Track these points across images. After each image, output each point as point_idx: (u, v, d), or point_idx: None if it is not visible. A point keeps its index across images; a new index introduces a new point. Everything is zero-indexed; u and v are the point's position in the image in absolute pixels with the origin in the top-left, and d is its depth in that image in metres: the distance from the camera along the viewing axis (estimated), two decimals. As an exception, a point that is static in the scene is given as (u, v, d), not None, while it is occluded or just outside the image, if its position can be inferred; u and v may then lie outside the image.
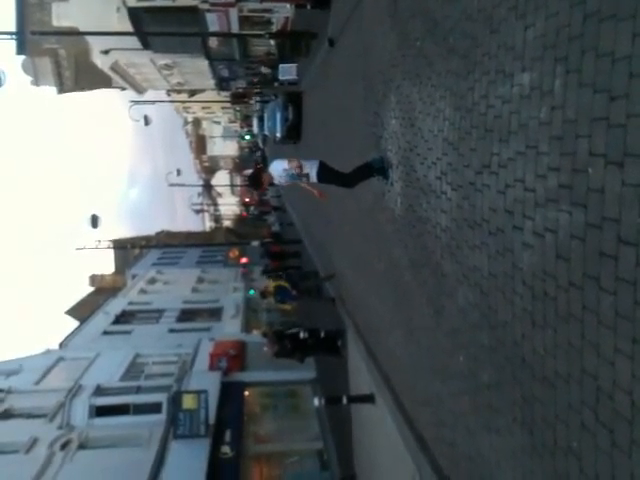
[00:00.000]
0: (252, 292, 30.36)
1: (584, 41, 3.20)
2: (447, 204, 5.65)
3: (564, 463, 3.49)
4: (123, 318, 29.85)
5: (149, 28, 26.20)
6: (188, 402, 15.09)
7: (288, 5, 22.19)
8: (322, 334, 13.03)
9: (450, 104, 5.49)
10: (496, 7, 4.34)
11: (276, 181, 8.13)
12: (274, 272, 23.32)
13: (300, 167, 7.78)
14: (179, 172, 56.61)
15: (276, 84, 26.48)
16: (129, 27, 26.08)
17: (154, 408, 16.98)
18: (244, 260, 37.51)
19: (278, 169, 7.88)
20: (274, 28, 25.04)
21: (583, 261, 3.23)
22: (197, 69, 39.86)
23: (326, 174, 8.00)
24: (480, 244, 4.78)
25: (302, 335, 12.78)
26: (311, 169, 7.87)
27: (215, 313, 30.09)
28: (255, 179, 8.49)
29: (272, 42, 25.88)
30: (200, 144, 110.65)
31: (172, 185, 52.61)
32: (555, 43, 3.50)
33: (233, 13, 26.59)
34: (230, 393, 17.08)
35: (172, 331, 27.19)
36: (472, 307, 5.00)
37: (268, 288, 16.52)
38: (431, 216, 6.20)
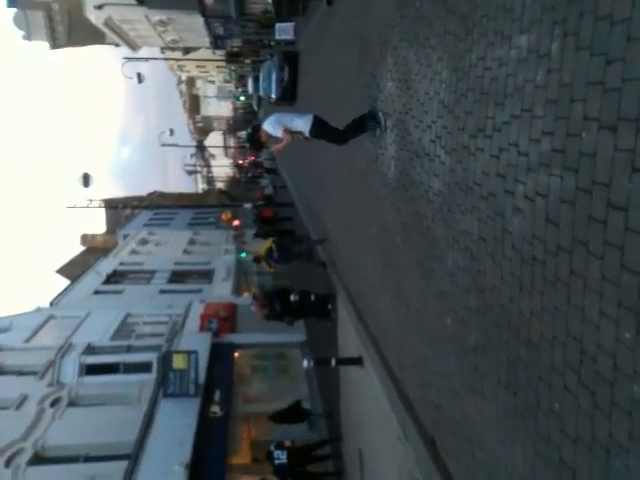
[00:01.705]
0: (243, 254, 30.34)
1: (583, 3, 3.16)
2: (440, 168, 5.63)
3: (546, 424, 3.56)
4: (114, 278, 29.82)
5: (144, -18, 25.63)
6: (178, 362, 15.23)
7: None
8: (312, 297, 13.09)
9: (447, 66, 5.43)
10: (496, -33, 4.26)
11: (273, 134, 7.94)
12: (266, 236, 23.28)
13: (288, 132, 7.71)
14: (172, 132, 55.94)
15: (271, 42, 26.04)
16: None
17: (144, 367, 17.15)
18: (236, 223, 37.41)
19: (273, 123, 7.76)
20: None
21: (572, 226, 3.24)
22: (192, 26, 39.10)
23: (320, 129, 7.89)
24: (471, 208, 4.78)
25: (292, 298, 12.83)
26: (305, 125, 7.76)
27: (206, 275, 30.11)
28: (255, 139, 8.32)
29: (269, 0, 25.33)
30: (194, 104, 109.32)
31: (165, 145, 52.11)
32: (554, 5, 3.45)
33: (230, -31, 26.04)
34: (220, 354, 17.25)
35: (163, 292, 27.24)
36: (461, 271, 5.03)
37: (260, 252, 16.52)
38: (424, 180, 6.18)
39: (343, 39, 11.67)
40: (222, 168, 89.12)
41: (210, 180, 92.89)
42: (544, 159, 3.54)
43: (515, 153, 3.95)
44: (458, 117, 5.12)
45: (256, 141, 8.22)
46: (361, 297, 9.99)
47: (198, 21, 35.96)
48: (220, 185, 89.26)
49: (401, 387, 7.33)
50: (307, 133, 7.81)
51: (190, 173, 72.87)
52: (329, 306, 12.80)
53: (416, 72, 6.48)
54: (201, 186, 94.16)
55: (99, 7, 24.23)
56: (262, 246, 17.11)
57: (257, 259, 16.93)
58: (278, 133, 7.75)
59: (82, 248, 55.91)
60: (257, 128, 8.25)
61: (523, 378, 3.87)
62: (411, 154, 6.70)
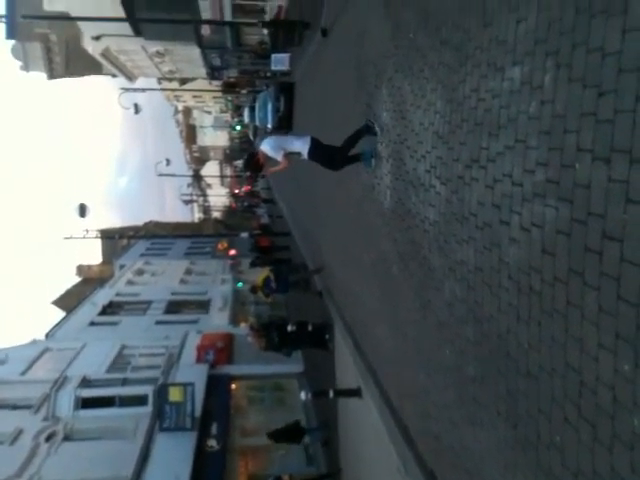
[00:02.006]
0: (240, 284, 30.29)
1: (575, 36, 3.20)
2: (436, 198, 5.64)
3: (547, 457, 3.51)
4: (110, 309, 29.66)
5: (141, 14, 25.95)
6: (174, 395, 15.07)
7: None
8: (310, 327, 13.03)
9: (441, 97, 5.48)
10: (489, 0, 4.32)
11: (269, 154, 7.96)
12: (262, 265, 23.25)
13: (287, 156, 7.80)
14: (168, 162, 56.16)
15: (267, 73, 26.32)
16: (121, 13, 25.85)
17: (140, 400, 16.94)
18: (233, 252, 37.39)
19: (271, 145, 7.82)
20: (267, 17, 24.90)
21: (568, 256, 3.24)
22: (189, 57, 39.58)
23: (318, 149, 7.95)
24: (468, 238, 4.78)
25: (290, 328, 12.77)
26: (303, 146, 7.83)
27: (203, 305, 29.99)
28: (253, 162, 8.32)
29: (265, 31, 25.69)
30: (190, 134, 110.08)
31: (161, 175, 52.27)
32: (546, 37, 3.49)
33: (226, 1, 26.42)
34: (217, 386, 17.08)
35: (159, 323, 27.06)
36: (458, 301, 5.00)
37: (257, 282, 16.49)
38: (420, 210, 6.20)
39: (338, 70, 11.79)
40: (218, 197, 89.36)
41: (206, 209, 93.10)
42: (538, 190, 3.55)
43: (509, 184, 3.96)
44: (452, 148, 5.15)
45: (254, 164, 8.23)
46: (358, 327, 9.93)
47: (195, 52, 36.41)
48: (216, 214, 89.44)
49: (400, 418, 7.25)
50: (305, 154, 7.86)
51: (187, 203, 72.93)
52: (326, 336, 12.73)
53: (411, 102, 6.54)
54: (197, 215, 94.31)
55: (96, 38, 24.49)
56: (259, 276, 17.08)
57: (253, 289, 16.89)
58: (277, 156, 7.80)
59: (78, 279, 55.69)
60: (254, 154, 8.28)
61: (523, 409, 3.82)
62: (406, 184, 6.72)
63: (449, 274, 5.24)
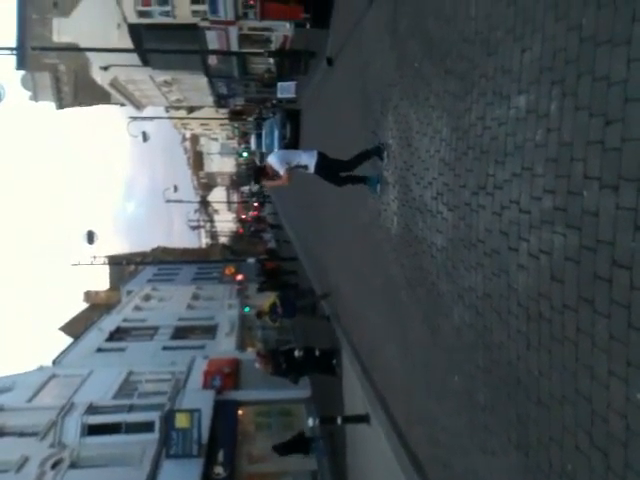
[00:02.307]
0: (247, 309, 30.21)
1: (580, 65, 3.24)
2: (443, 224, 5.67)
3: (559, 486, 3.47)
4: (117, 335, 29.60)
5: (149, 45, 26.33)
6: (181, 421, 14.95)
7: (287, 24, 22.38)
8: (317, 353, 12.96)
9: (447, 125, 5.53)
10: (493, 30, 4.39)
11: (275, 167, 8.03)
12: (270, 289, 23.24)
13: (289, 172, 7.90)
14: (176, 188, 56.61)
15: (274, 101, 26.62)
16: (129, 44, 26.24)
17: (147, 427, 16.80)
18: (240, 277, 37.38)
19: (279, 158, 7.93)
20: (273, 46, 25.29)
21: (577, 283, 3.24)
22: (196, 86, 40.06)
23: (325, 163, 8.03)
24: (476, 265, 4.79)
25: (297, 354, 12.71)
26: (309, 159, 7.95)
27: (210, 330, 29.89)
28: (260, 172, 8.47)
29: (271, 60, 26.08)
30: (198, 160, 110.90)
31: (169, 201, 52.62)
32: (552, 66, 3.54)
33: (233, 31, 26.80)
34: (224, 412, 16.93)
35: (166, 349, 26.97)
36: (467, 327, 4.99)
37: (263, 308, 16.46)
38: (427, 236, 6.22)
39: (344, 97, 11.93)
40: (225, 223, 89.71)
41: (214, 235, 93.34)
42: (546, 217, 3.57)
43: (517, 210, 3.98)
44: (459, 175, 5.19)
45: (263, 175, 8.32)
46: (366, 352, 9.88)
47: (202, 81, 36.85)
48: (223, 240, 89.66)
49: (409, 445, 7.17)
50: (312, 168, 7.95)
51: (194, 228, 73.29)
52: (334, 361, 12.66)
53: (416, 130, 6.61)
54: (205, 241, 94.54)
55: (105, 68, 24.83)
56: (265, 301, 17.05)
57: (259, 314, 16.85)
58: (281, 170, 7.87)
59: (86, 305, 55.72)
60: (263, 167, 8.41)
61: (534, 437, 3.79)
62: (413, 210, 6.76)
63: (458, 300, 5.24)
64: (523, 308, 3.93)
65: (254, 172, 9.14)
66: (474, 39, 4.78)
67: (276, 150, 8.34)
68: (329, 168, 8.17)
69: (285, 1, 14.75)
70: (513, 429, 4.10)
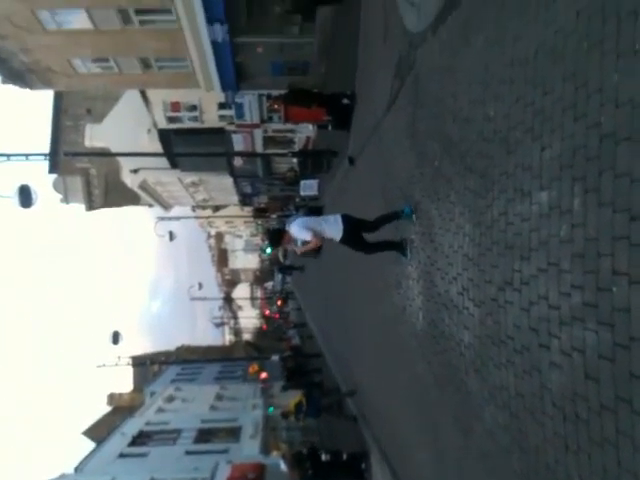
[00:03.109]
0: (271, 409, 29.57)
1: (601, 162, 3.25)
2: (470, 320, 5.57)
3: None
4: (140, 439, 29.01)
5: (178, 149, 27.47)
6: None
7: (310, 126, 23.26)
8: (344, 456, 12.50)
9: (469, 220, 5.56)
10: (512, 129, 4.49)
11: (298, 242, 7.82)
12: (295, 388, 22.79)
13: (315, 239, 7.44)
14: (201, 286, 57.18)
15: (297, 199, 27.23)
16: (159, 147, 27.38)
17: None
18: (264, 375, 36.78)
19: (299, 232, 7.50)
20: (296, 147, 26.19)
21: (613, 382, 3.11)
22: (222, 186, 41.30)
23: (350, 227, 7.53)
24: (506, 362, 4.65)
25: (324, 457, 12.27)
26: (335, 226, 7.46)
27: (233, 432, 29.18)
28: (278, 236, 8.17)
29: (294, 160, 26.94)
30: (222, 257, 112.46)
31: (194, 299, 52.98)
32: (572, 163, 3.57)
33: (258, 133, 27.93)
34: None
35: (189, 453, 26.28)
36: (501, 429, 4.78)
37: (289, 407, 16.15)
38: (454, 332, 6.10)
39: (366, 194, 12.15)
40: (249, 319, 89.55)
41: (237, 331, 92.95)
42: (576, 313, 3.49)
43: (546, 306, 3.90)
44: (484, 270, 5.15)
45: (279, 239, 8.05)
46: (396, 456, 9.48)
47: (227, 181, 38.04)
48: (247, 336, 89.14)
49: None
50: (338, 235, 7.49)
51: (218, 326, 73.24)
52: (362, 466, 12.16)
53: (439, 226, 6.65)
54: (228, 337, 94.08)
55: (135, 171, 25.85)
56: (291, 400, 16.74)
57: (285, 415, 16.51)
58: (307, 236, 7.45)
59: (109, 408, 54.93)
60: (282, 230, 8.09)
61: None
62: (439, 305, 6.67)
63: (489, 400, 5.05)
64: (558, 408, 3.76)
65: (272, 235, 8.67)
66: (493, 138, 4.89)
67: (298, 218, 8.07)
68: (355, 233, 7.67)
69: (308, 105, 15.36)
70: (556, 542, 3.82)
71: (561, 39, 3.76)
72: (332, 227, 7.49)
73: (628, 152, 3.01)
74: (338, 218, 7.53)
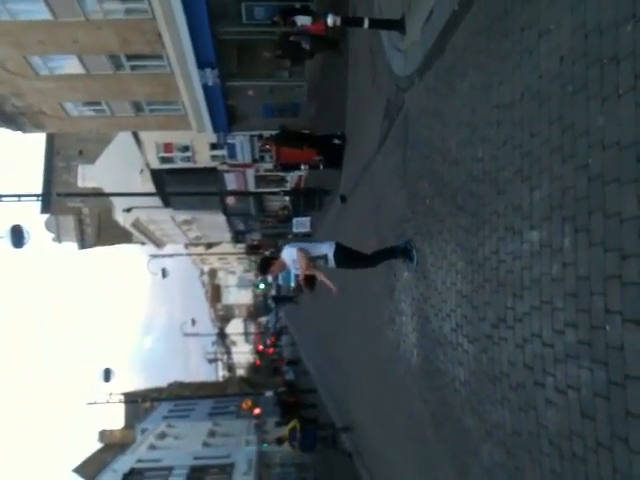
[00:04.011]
0: (265, 445, 29.24)
1: (590, 202, 3.31)
2: (464, 356, 5.59)
3: None
4: (131, 477, 28.47)
5: (170, 188, 27.58)
6: None
7: (302, 166, 23.51)
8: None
9: (461, 258, 5.62)
10: (501, 170, 4.58)
11: (292, 269, 7.52)
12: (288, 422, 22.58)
13: (307, 265, 7.15)
14: (194, 322, 56.81)
15: (290, 236, 27.29)
16: (151, 187, 27.48)
17: None
18: (257, 411, 36.34)
19: (291, 254, 7.25)
20: (288, 186, 26.41)
21: (610, 421, 3.13)
22: (215, 224, 41.37)
23: (344, 252, 7.42)
24: (502, 399, 4.66)
25: (319, 495, 12.09)
26: (328, 249, 7.27)
27: (226, 469, 28.69)
28: (266, 263, 7.85)
29: (287, 198, 27.11)
30: (215, 293, 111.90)
31: (187, 335, 52.50)
32: (562, 204, 3.63)
33: (250, 173, 28.15)
34: None
35: (181, 492, 25.78)
36: (498, 467, 4.76)
37: (284, 433, 16.20)
38: (449, 368, 6.11)
39: (359, 232, 12.22)
40: (243, 354, 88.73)
41: (231, 367, 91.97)
42: (570, 351, 3.52)
43: (540, 344, 3.94)
44: (477, 307, 5.19)
45: (267, 266, 7.73)
46: (393, 494, 9.37)
47: (220, 219, 38.11)
48: (241, 372, 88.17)
49: None
50: (331, 256, 7.25)
51: (211, 361, 72.47)
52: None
53: (431, 263, 6.71)
54: (222, 373, 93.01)
55: (127, 210, 25.86)
56: (285, 429, 16.80)
57: (280, 440, 16.53)
58: (297, 256, 7.17)
59: (100, 445, 53.84)
60: (271, 258, 7.95)
61: None
62: (433, 342, 6.69)
63: (486, 437, 5.04)
64: (555, 446, 3.76)
65: (261, 262, 8.39)
66: (483, 178, 4.98)
67: (292, 243, 7.85)
68: (348, 256, 7.49)
69: (299, 146, 15.59)
70: None
71: (546, 83, 3.88)
72: (326, 246, 7.38)
73: (617, 193, 3.07)
74: (333, 244, 7.40)
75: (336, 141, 14.91)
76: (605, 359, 3.15)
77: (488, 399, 4.97)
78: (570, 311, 3.53)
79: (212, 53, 18.38)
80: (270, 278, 30.83)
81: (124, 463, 30.41)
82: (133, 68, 18.97)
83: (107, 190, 26.52)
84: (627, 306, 2.97)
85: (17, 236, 16.89)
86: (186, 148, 28.27)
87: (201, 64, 18.48)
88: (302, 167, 19.29)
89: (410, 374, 7.82)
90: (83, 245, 41.10)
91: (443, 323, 6.30)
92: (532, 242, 4.05)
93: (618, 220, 3.05)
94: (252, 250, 48.93)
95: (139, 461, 31.26)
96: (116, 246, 46.14)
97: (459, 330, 5.75)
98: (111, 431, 57.06)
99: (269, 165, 26.69)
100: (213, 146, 27.58)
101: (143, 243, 43.72)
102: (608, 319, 3.13)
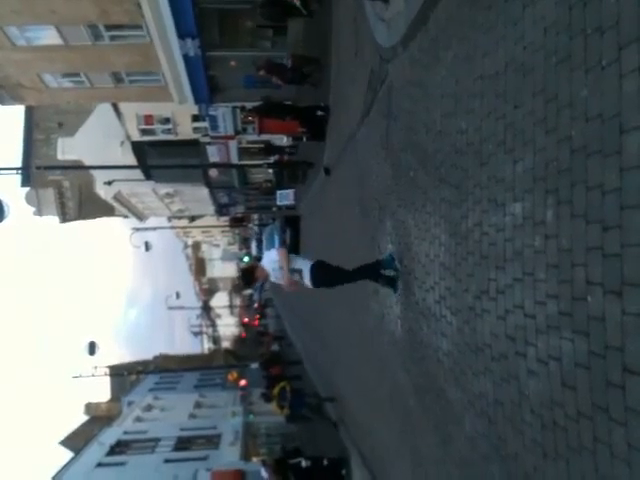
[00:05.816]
0: (251, 416, 29.53)
1: (573, 174, 3.31)
2: (448, 328, 5.63)
3: None
4: (118, 448, 28.72)
5: (152, 161, 27.27)
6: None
7: (285, 137, 23.30)
8: (325, 462, 12.50)
9: (445, 231, 5.63)
10: (484, 142, 4.56)
11: (272, 277, 7.49)
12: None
13: (287, 261, 7.12)
14: (178, 295, 56.86)
15: (274, 208, 27.24)
16: (132, 160, 27.16)
17: None
18: (243, 382, 36.64)
19: (270, 260, 7.30)
20: (272, 158, 26.24)
21: (590, 390, 3.17)
22: (198, 197, 41.09)
23: (322, 269, 7.28)
24: (484, 370, 4.71)
25: (304, 464, 12.26)
26: (304, 266, 7.18)
27: (213, 440, 29.01)
28: (248, 274, 7.98)
29: (270, 170, 26.93)
30: (200, 266, 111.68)
31: (171, 308, 52.57)
32: (544, 176, 3.63)
33: (233, 145, 27.87)
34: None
35: (168, 461, 26.06)
36: (480, 436, 4.84)
37: (273, 392, 16.35)
38: (432, 340, 6.16)
39: (342, 204, 12.22)
40: (228, 327, 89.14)
41: (216, 339, 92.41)
42: (552, 322, 3.55)
43: (522, 315, 3.97)
44: (460, 279, 5.22)
45: (251, 277, 7.86)
46: (377, 461, 9.52)
47: (203, 192, 37.84)
48: (226, 344, 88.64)
49: None
50: (307, 272, 7.14)
51: (196, 334, 72.76)
52: (343, 471, 12.19)
53: (415, 235, 6.71)
54: (207, 346, 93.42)
55: (108, 183, 25.59)
56: (274, 388, 16.96)
57: (268, 398, 16.73)
58: (277, 275, 7.27)
59: (86, 417, 54.12)
60: (253, 268, 8.01)
61: None
62: (416, 314, 6.74)
63: (468, 407, 5.11)
64: (537, 416, 3.82)
65: (243, 274, 8.45)
66: (466, 150, 4.96)
67: (272, 250, 7.81)
68: (327, 273, 7.38)
69: (282, 117, 15.46)
70: None
71: (530, 55, 3.84)
72: (302, 261, 7.32)
73: (599, 165, 3.07)
74: (309, 263, 7.27)
75: (319, 112, 14.80)
76: (586, 330, 3.19)
77: (471, 370, 5.03)
78: (552, 283, 3.55)
79: (193, 22, 18.09)
80: (254, 250, 30.80)
81: (111, 435, 30.64)
82: (112, 38, 18.61)
83: (88, 163, 26.16)
84: (608, 277, 2.99)
85: (-3, 210, 16.64)
86: (167, 120, 27.91)
87: (181, 34, 18.20)
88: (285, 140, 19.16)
89: (394, 345, 7.89)
90: (64, 219, 40.69)
91: (427, 295, 6.33)
92: (515, 214, 4.05)
93: (600, 192, 3.05)
94: (236, 223, 48.83)
95: (125, 433, 31.51)
96: (98, 219, 45.75)
97: (442, 302, 5.79)
98: (97, 404, 57.38)
99: (252, 137, 26.47)
100: (195, 118, 27.25)
101: (125, 216, 43.37)
102: (589, 290, 3.15)
